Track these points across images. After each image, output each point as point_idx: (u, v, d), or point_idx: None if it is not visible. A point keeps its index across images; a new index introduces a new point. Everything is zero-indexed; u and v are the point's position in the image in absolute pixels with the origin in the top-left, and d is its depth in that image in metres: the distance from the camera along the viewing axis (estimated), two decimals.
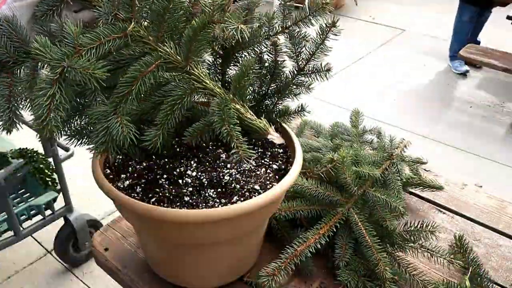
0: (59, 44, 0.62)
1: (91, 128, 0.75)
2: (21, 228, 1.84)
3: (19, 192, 1.98)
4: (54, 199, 1.92)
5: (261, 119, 0.72)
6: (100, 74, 0.59)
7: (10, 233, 1.81)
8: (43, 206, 1.87)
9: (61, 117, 0.58)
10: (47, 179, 1.94)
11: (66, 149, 1.91)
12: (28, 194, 1.97)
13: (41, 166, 1.93)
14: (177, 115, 0.70)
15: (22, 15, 0.65)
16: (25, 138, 1.72)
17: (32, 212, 1.88)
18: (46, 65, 0.60)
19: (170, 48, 0.69)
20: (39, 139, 1.66)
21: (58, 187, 1.92)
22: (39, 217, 1.91)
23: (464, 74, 4.17)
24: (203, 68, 0.73)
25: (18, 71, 0.69)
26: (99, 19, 0.66)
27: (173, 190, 0.79)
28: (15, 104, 0.66)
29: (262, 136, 0.72)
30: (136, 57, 0.71)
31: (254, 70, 0.83)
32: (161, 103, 0.72)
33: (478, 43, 4.24)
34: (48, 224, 1.92)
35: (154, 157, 0.85)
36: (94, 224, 2.07)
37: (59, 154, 1.83)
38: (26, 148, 2.00)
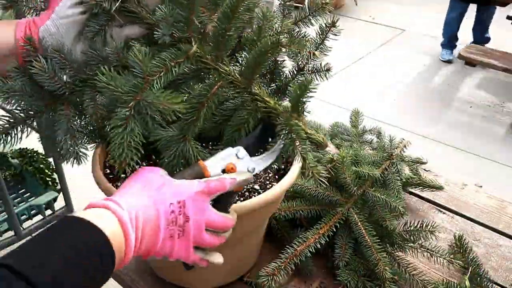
0: (120, 71, 0.59)
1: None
2: (22, 228, 1.84)
3: (20, 192, 1.98)
4: (55, 199, 1.92)
5: (319, 133, 0.71)
6: (181, 108, 0.57)
7: (11, 233, 1.80)
8: (44, 206, 1.87)
9: (137, 150, 0.57)
10: (47, 179, 1.94)
11: None
12: (29, 194, 1.97)
13: (41, 166, 1.93)
14: (243, 133, 0.69)
15: (68, 33, 0.62)
16: (24, 138, 1.73)
17: (32, 212, 1.88)
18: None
19: (230, 68, 0.67)
20: (39, 139, 1.66)
21: (58, 187, 1.91)
22: (40, 217, 1.90)
23: (448, 61, 4.35)
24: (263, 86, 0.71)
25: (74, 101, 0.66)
26: (158, 40, 0.64)
27: None
28: (78, 137, 0.63)
29: (321, 148, 0.71)
30: (191, 76, 0.69)
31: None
32: (222, 122, 0.71)
33: (487, 40, 4.25)
34: (49, 224, 1.92)
35: (154, 156, 0.85)
36: None
37: None
38: (26, 148, 2.00)
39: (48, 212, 1.92)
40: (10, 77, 0.62)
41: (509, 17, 3.85)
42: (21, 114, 0.65)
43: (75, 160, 0.65)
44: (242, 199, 0.77)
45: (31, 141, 1.65)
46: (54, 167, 1.88)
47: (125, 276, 0.92)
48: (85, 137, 0.77)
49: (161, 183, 0.58)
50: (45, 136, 0.67)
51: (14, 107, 0.63)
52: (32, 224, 1.88)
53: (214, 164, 0.63)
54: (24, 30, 0.63)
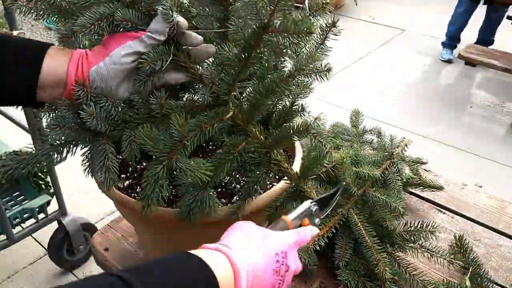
0: (160, 123, 0.65)
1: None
2: (22, 228, 1.82)
3: (14, 195, 1.95)
4: (48, 203, 1.88)
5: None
6: (205, 176, 0.61)
7: (3, 236, 1.78)
8: (37, 209, 1.84)
9: (162, 194, 0.63)
10: (41, 182, 1.91)
11: None
12: (22, 197, 1.94)
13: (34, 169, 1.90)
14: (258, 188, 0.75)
15: (115, 77, 0.64)
16: (20, 140, 1.72)
17: (25, 216, 1.85)
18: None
19: (258, 132, 0.70)
20: (32, 142, 1.66)
21: (52, 190, 1.88)
22: (33, 220, 1.87)
23: (448, 61, 4.35)
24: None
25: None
26: (200, 100, 0.67)
27: (173, 190, 0.79)
28: (112, 170, 0.67)
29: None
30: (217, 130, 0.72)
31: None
32: (239, 168, 0.76)
33: (491, 42, 4.24)
34: (41, 228, 1.89)
35: (154, 157, 0.85)
36: (89, 228, 2.04)
37: None
38: (20, 150, 1.98)
39: (42, 215, 1.89)
40: (57, 107, 0.67)
41: (509, 17, 3.85)
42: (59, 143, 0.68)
43: (108, 188, 0.70)
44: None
45: (26, 143, 1.65)
46: (47, 170, 1.86)
47: None
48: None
49: (263, 234, 0.61)
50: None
51: (56, 138, 0.67)
52: (27, 227, 1.85)
53: (295, 219, 0.68)
54: (77, 64, 0.65)
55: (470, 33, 4.33)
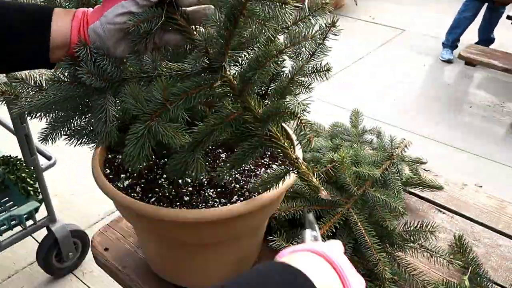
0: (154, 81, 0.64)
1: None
2: (3, 238, 1.78)
3: (2, 201, 1.90)
4: (36, 209, 1.84)
5: (315, 180, 0.75)
6: (183, 141, 0.61)
7: None
8: (25, 216, 1.80)
9: (146, 156, 0.62)
10: (29, 188, 1.87)
11: (48, 158, 1.87)
12: (11, 203, 1.90)
13: (23, 175, 1.87)
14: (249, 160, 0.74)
15: (111, 37, 0.64)
16: (13, 145, 1.71)
17: (13, 223, 1.80)
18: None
19: (254, 104, 0.68)
20: (20, 147, 1.65)
21: (40, 196, 1.85)
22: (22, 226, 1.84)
23: (448, 61, 4.36)
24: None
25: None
26: (189, 72, 0.66)
27: (173, 190, 0.79)
28: (111, 126, 0.68)
29: (315, 193, 0.75)
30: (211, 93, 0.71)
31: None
32: (235, 139, 0.75)
33: (492, 40, 4.24)
34: (30, 235, 1.86)
35: (153, 157, 0.85)
36: (79, 235, 2.00)
37: (41, 164, 1.78)
38: (10, 155, 1.94)
39: (30, 222, 1.84)
40: (60, 66, 0.68)
41: (509, 17, 3.85)
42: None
43: (104, 143, 0.71)
44: (242, 199, 0.77)
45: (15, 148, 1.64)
46: (35, 176, 1.82)
47: (124, 275, 0.92)
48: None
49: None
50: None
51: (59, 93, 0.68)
52: (12, 235, 1.80)
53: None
54: (79, 23, 0.66)
55: (470, 33, 4.33)
